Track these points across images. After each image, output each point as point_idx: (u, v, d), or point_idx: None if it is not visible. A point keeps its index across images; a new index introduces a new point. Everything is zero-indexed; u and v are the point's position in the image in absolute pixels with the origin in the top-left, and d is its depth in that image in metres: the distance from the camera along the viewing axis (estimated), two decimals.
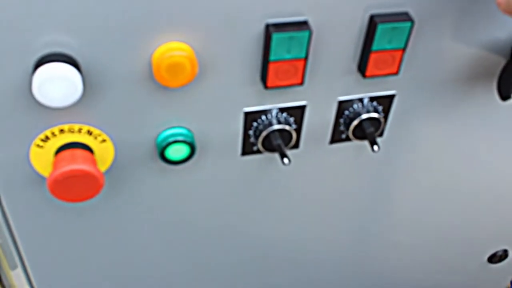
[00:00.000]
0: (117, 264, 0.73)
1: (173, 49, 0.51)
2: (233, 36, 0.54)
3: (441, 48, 0.62)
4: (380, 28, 0.56)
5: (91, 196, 0.56)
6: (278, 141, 0.62)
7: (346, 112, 0.65)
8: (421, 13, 0.58)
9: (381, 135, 0.69)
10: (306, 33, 0.54)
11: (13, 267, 0.79)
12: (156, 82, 0.55)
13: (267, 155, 0.67)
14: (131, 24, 0.50)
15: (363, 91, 0.64)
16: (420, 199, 0.81)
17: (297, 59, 0.56)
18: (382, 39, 0.57)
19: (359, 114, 0.65)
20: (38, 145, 0.57)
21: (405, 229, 0.86)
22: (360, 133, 0.66)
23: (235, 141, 0.64)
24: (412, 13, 0.58)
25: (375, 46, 0.57)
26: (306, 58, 0.56)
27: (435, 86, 0.66)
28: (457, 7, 0.59)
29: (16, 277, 0.85)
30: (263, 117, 0.62)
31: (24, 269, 0.73)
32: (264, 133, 0.62)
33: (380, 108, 0.66)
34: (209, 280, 0.81)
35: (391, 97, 0.65)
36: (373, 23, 0.56)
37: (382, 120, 0.65)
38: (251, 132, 0.63)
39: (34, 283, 0.73)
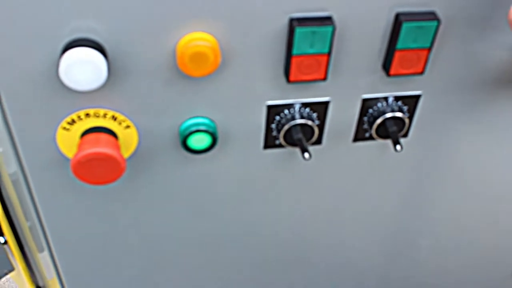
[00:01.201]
0: (137, 248, 0.75)
1: (197, 39, 0.52)
2: (257, 29, 0.55)
3: (468, 49, 0.62)
4: (405, 26, 0.56)
5: (113, 180, 0.58)
6: (300, 136, 0.62)
7: (370, 111, 0.65)
8: (448, 12, 0.58)
9: (405, 135, 0.69)
10: (329, 28, 0.54)
11: (41, 250, 0.81)
12: (180, 71, 0.56)
13: (289, 149, 0.67)
14: (158, 13, 0.52)
15: (388, 90, 0.64)
16: (445, 202, 0.80)
17: (320, 54, 0.56)
18: (407, 38, 0.57)
19: (383, 113, 0.64)
20: (64, 128, 0.59)
21: (429, 232, 0.85)
22: (384, 132, 0.66)
23: (257, 134, 0.64)
24: (439, 13, 0.58)
25: (400, 44, 0.57)
26: (329, 54, 0.56)
27: (462, 87, 0.65)
28: (485, 8, 0.58)
29: (43, 260, 0.87)
30: (286, 111, 0.62)
31: (50, 252, 0.74)
32: (286, 127, 0.62)
33: (405, 108, 0.66)
34: (225, 270, 0.82)
35: (417, 97, 0.65)
36: (398, 21, 0.56)
37: (406, 120, 0.65)
38: (273, 126, 0.64)
39: (59, 266, 0.75)
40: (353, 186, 0.74)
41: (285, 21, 0.55)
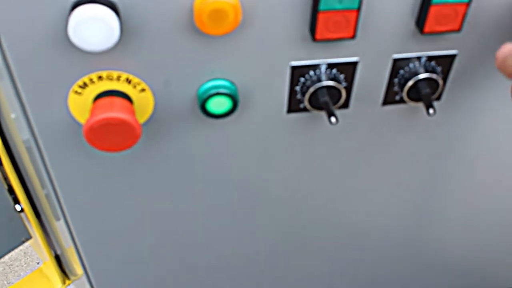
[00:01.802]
0: (153, 216, 0.72)
1: None
2: None
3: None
4: None
5: (128, 147, 0.54)
6: (326, 99, 0.58)
7: (401, 72, 0.61)
8: None
9: (438, 98, 0.65)
10: None
11: (57, 218, 0.79)
12: (198, 29, 0.52)
13: (314, 113, 0.63)
14: None
15: (421, 49, 0.59)
16: (478, 170, 0.76)
17: (349, 9, 0.52)
18: None
19: (415, 74, 0.60)
20: (76, 92, 0.55)
21: (461, 202, 0.82)
22: (416, 95, 0.62)
23: (281, 97, 0.61)
24: None
25: None
26: (358, 9, 0.52)
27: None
28: None
29: (60, 229, 0.85)
30: (311, 73, 0.58)
31: (66, 220, 0.72)
32: (311, 90, 0.58)
33: (438, 68, 0.61)
34: (243, 239, 0.79)
35: (452, 57, 0.61)
36: None
37: (440, 81, 0.60)
38: (297, 88, 0.60)
39: (75, 234, 0.73)
40: (381, 152, 0.70)
41: None
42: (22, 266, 2.04)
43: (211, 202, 0.72)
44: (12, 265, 2.05)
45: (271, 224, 0.77)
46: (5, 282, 2.00)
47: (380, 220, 0.81)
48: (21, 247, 2.07)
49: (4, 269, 2.03)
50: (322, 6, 0.51)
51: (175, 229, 0.74)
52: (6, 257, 2.01)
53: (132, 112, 0.54)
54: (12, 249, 0.93)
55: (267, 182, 0.70)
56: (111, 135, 0.53)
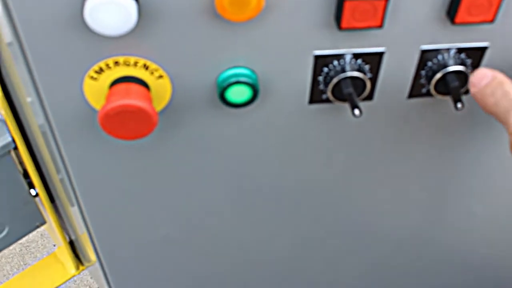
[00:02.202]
0: (168, 207, 0.71)
1: None
2: None
3: None
4: None
5: (144, 135, 0.53)
6: (350, 90, 0.56)
7: (429, 63, 0.58)
8: None
9: (467, 92, 0.62)
10: None
11: (72, 204, 0.78)
12: (218, 14, 0.50)
13: (337, 104, 0.61)
14: None
15: (450, 41, 0.57)
16: (507, 165, 0.74)
17: None
18: None
19: (444, 66, 0.58)
20: (92, 77, 0.54)
21: (484, 199, 0.79)
22: (443, 88, 0.59)
23: (302, 87, 0.58)
24: None
25: None
26: None
27: None
28: None
29: (75, 214, 0.84)
30: (335, 62, 0.56)
31: (79, 206, 0.71)
32: (335, 80, 0.56)
33: (468, 61, 0.59)
34: (261, 232, 0.78)
35: (483, 49, 0.58)
36: None
37: (470, 74, 0.58)
38: (320, 78, 0.57)
39: (88, 221, 0.72)
40: (405, 146, 0.68)
41: None
42: (39, 247, 2.05)
43: (227, 192, 0.70)
44: (28, 246, 2.06)
45: (288, 216, 0.75)
46: (22, 263, 2.01)
47: (399, 216, 0.79)
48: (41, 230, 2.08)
49: (21, 250, 2.04)
50: None
51: (189, 219, 0.73)
52: (23, 238, 2.02)
53: (149, 99, 0.53)
54: (27, 233, 0.92)
55: (286, 173, 0.68)
56: (127, 122, 0.52)
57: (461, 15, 0.53)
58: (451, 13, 0.53)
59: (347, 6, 0.50)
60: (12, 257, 2.02)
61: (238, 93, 0.55)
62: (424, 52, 0.57)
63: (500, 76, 0.53)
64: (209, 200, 0.70)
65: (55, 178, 0.85)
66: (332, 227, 0.79)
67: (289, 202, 0.73)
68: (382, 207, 0.77)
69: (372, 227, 0.80)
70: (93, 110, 0.57)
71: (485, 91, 0.52)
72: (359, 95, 0.58)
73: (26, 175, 0.90)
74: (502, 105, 0.51)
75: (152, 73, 0.54)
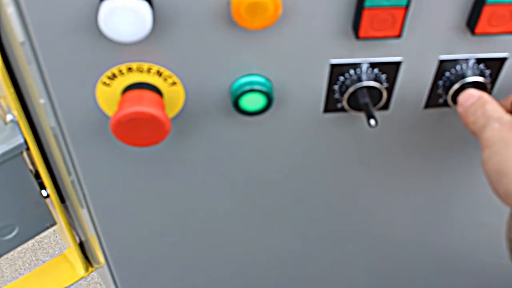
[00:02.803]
0: (177, 214, 0.70)
1: None
2: None
3: None
4: None
5: (156, 142, 0.52)
6: (366, 100, 0.55)
7: (447, 74, 0.57)
8: None
9: None
10: None
11: (83, 206, 0.78)
12: (234, 22, 0.49)
13: (351, 114, 0.60)
14: None
15: (469, 51, 0.56)
16: None
17: (396, 7, 0.48)
18: None
19: (462, 77, 0.56)
20: (104, 83, 0.53)
21: (494, 209, 0.78)
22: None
23: (318, 95, 0.57)
24: None
25: None
26: (407, 7, 0.49)
27: None
28: None
29: (85, 216, 0.84)
30: (351, 72, 0.55)
31: (88, 209, 0.71)
32: (351, 89, 0.55)
33: (487, 72, 0.57)
34: (273, 241, 0.77)
35: (502, 60, 0.57)
36: None
37: (488, 86, 0.57)
38: (336, 87, 0.57)
39: (97, 224, 0.71)
40: (420, 156, 0.67)
41: None
42: (51, 243, 2.05)
43: (238, 200, 0.69)
44: (41, 242, 2.06)
45: (300, 223, 0.74)
46: (34, 259, 2.01)
47: (410, 224, 0.78)
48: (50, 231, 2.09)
49: (34, 245, 2.05)
50: (368, 2, 0.48)
51: (199, 226, 0.72)
52: None
53: (162, 106, 0.52)
54: (37, 234, 0.92)
55: (299, 181, 0.68)
56: (139, 129, 0.51)
57: (481, 26, 0.51)
58: (471, 23, 0.52)
59: (366, 14, 0.49)
60: (24, 253, 2.03)
61: (252, 101, 0.54)
62: (442, 62, 0.56)
63: (486, 97, 0.53)
64: (219, 207, 0.70)
65: (66, 180, 0.85)
66: (344, 234, 0.78)
67: (302, 210, 0.72)
68: (394, 215, 0.75)
69: (383, 235, 0.79)
70: (104, 115, 0.56)
71: (469, 110, 0.53)
72: (375, 104, 0.57)
73: (37, 175, 0.90)
74: (479, 122, 0.52)
75: (165, 79, 0.53)
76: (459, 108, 0.55)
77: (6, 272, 1.98)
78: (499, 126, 0.50)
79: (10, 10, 0.49)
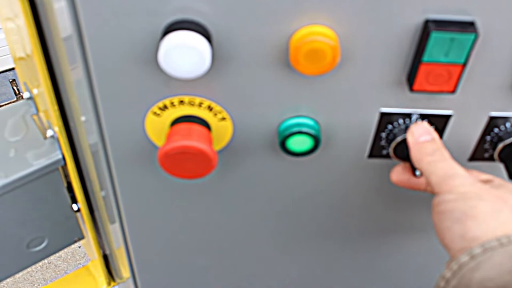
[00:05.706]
0: (211, 243, 0.70)
1: (316, 33, 0.46)
2: (385, 27, 0.48)
3: None
4: None
5: (202, 175, 0.52)
6: None
7: (496, 130, 0.57)
8: None
9: None
10: (471, 36, 0.46)
11: (112, 221, 0.78)
12: (291, 66, 0.50)
13: (394, 161, 0.60)
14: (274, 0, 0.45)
15: None
16: None
17: (454, 64, 0.48)
18: None
19: (511, 135, 0.56)
20: (155, 113, 0.53)
21: None
22: (508, 156, 0.57)
23: (364, 141, 0.57)
24: None
25: None
26: (464, 64, 0.48)
27: None
28: None
29: (113, 231, 0.84)
30: (401, 121, 0.55)
31: (122, 226, 0.71)
32: (399, 139, 0.55)
33: None
34: (310, 273, 0.77)
35: None
36: None
37: None
38: (383, 135, 0.56)
39: (130, 243, 0.71)
40: None
41: (419, 22, 0.47)
42: (82, 254, 2.08)
43: (273, 233, 0.69)
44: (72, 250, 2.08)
45: (335, 264, 0.74)
46: (66, 264, 2.03)
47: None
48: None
49: (61, 255, 2.07)
50: (426, 57, 0.48)
51: (231, 257, 0.72)
52: None
53: (210, 141, 0.52)
54: (64, 247, 0.92)
55: (340, 221, 0.67)
56: (186, 163, 0.51)
57: None
58: None
59: (422, 69, 0.49)
60: (56, 261, 2.05)
61: (300, 143, 0.54)
62: (492, 118, 0.56)
63: (439, 142, 0.52)
64: (253, 238, 0.70)
65: (97, 195, 0.85)
66: (376, 275, 0.77)
67: (339, 247, 0.72)
68: (428, 262, 0.75)
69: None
70: (150, 143, 0.57)
71: (424, 147, 0.51)
72: None
73: (69, 188, 0.91)
74: (440, 168, 0.50)
75: (215, 114, 0.54)
76: (410, 138, 0.53)
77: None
78: (471, 180, 0.49)
79: (70, 33, 0.49)
